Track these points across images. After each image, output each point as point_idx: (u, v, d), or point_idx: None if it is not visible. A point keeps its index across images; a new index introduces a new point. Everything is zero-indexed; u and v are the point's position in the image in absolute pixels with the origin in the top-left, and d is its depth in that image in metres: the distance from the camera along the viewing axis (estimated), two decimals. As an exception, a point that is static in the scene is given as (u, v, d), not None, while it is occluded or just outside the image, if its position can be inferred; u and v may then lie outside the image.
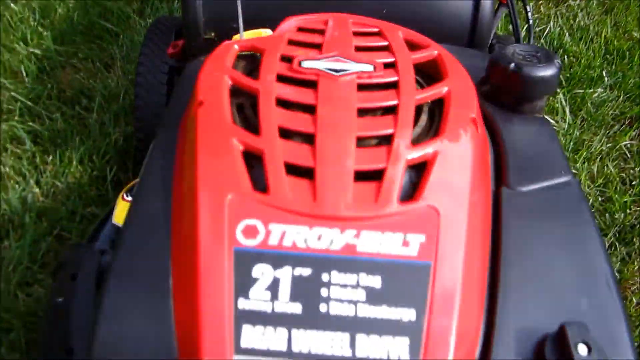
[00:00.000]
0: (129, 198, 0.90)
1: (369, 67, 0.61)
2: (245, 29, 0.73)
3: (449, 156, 0.55)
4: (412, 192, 0.53)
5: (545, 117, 0.70)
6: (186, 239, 0.52)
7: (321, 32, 0.69)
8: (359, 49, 0.66)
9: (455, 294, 0.48)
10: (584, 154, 1.51)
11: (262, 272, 0.48)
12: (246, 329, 0.46)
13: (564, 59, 1.82)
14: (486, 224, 0.56)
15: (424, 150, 0.55)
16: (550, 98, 1.67)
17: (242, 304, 0.47)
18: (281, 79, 0.60)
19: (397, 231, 0.49)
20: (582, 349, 0.47)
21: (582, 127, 1.61)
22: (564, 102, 1.67)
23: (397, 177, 0.52)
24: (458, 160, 0.56)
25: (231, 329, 0.46)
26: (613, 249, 1.32)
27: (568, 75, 1.76)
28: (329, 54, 0.63)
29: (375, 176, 0.53)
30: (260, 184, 0.52)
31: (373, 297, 0.48)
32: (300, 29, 0.70)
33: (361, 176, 0.53)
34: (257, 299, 0.47)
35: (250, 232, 0.50)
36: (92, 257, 0.65)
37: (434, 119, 0.60)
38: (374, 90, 0.60)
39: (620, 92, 1.72)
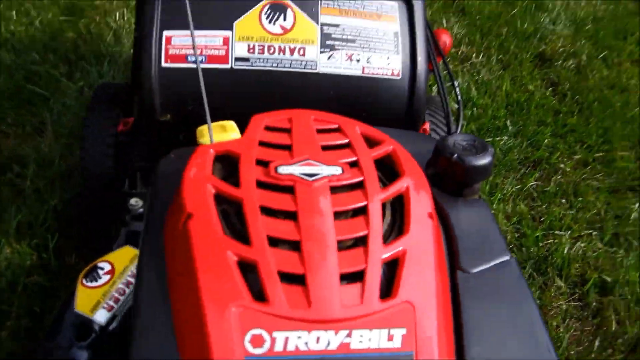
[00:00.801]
0: (90, 284, 0.91)
1: (337, 170, 0.69)
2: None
3: (415, 252, 0.64)
4: (388, 285, 0.61)
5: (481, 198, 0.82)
6: (198, 352, 0.56)
7: (287, 130, 0.76)
8: (324, 147, 0.73)
9: None
10: (499, 195, 1.69)
11: None
12: None
13: (473, 110, 2.03)
14: (448, 307, 0.65)
15: (394, 249, 0.63)
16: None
17: None
18: (260, 184, 0.66)
19: (382, 327, 0.57)
20: None
21: (494, 172, 1.80)
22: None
23: (377, 278, 0.60)
24: (423, 254, 0.65)
25: None
26: (532, 279, 1.48)
27: (478, 125, 1.97)
28: (301, 157, 0.70)
29: (357, 275, 0.60)
30: (257, 291, 0.58)
31: None
32: (268, 128, 0.76)
33: (345, 277, 0.60)
34: None
35: (257, 341, 0.55)
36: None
37: (396, 213, 0.69)
38: (344, 192, 0.68)
39: (523, 139, 1.94)
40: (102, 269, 0.94)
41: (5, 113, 1.75)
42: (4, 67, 1.96)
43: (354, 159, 0.72)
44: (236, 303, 0.57)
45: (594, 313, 1.43)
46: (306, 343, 0.56)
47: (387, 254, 0.63)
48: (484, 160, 0.76)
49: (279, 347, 0.55)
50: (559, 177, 1.81)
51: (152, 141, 1.06)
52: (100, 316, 0.88)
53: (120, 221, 1.04)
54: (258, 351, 0.55)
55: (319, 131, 0.77)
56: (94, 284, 0.91)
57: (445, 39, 1.23)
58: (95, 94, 1.31)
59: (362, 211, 0.66)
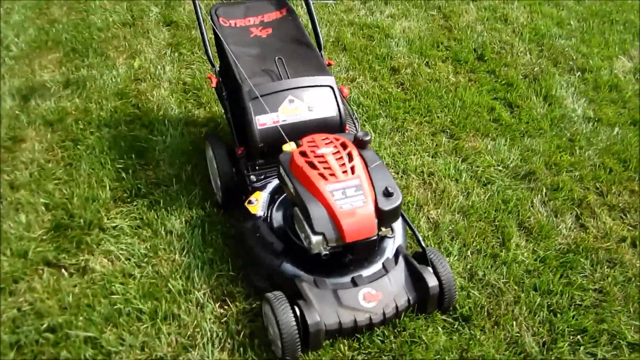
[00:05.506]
0: (250, 205, 2.70)
1: (330, 149, 2.51)
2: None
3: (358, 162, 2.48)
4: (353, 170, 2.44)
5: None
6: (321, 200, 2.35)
7: (314, 141, 2.55)
8: (325, 142, 2.55)
9: (365, 187, 2.41)
10: (383, 148, 3.60)
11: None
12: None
13: (362, 108, 3.94)
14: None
15: (355, 158, 2.48)
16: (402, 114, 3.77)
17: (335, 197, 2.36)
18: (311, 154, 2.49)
19: (355, 178, 2.41)
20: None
21: (378, 136, 3.71)
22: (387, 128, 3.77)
23: (353, 162, 2.45)
24: (360, 159, 2.50)
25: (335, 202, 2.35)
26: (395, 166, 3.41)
27: (366, 116, 3.88)
28: (322, 147, 2.50)
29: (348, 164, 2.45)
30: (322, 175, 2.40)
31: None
32: (307, 141, 2.57)
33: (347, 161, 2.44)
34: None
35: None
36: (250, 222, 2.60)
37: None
38: (336, 151, 2.50)
39: (390, 118, 3.87)
40: (253, 200, 2.74)
41: (134, 163, 3.42)
42: (120, 139, 3.59)
43: (334, 143, 2.57)
44: (321, 183, 2.39)
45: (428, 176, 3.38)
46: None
47: (353, 162, 2.49)
48: (363, 135, 2.62)
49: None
50: (407, 132, 3.77)
51: (255, 155, 2.85)
52: (259, 213, 2.69)
53: (249, 184, 2.84)
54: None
55: (322, 139, 2.61)
56: (252, 205, 2.72)
57: (346, 91, 3.10)
58: (209, 138, 3.09)
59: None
